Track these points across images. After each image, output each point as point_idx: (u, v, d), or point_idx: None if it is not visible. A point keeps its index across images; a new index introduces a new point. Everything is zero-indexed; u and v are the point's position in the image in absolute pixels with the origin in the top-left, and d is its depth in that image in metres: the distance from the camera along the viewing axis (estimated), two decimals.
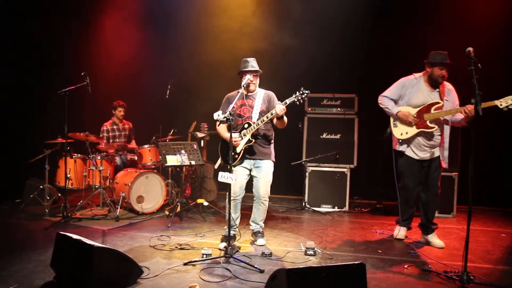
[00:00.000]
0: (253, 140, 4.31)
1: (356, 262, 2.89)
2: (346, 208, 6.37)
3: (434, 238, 4.57)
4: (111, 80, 7.43)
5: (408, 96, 4.50)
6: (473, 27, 6.37)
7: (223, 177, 3.96)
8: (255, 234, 4.56)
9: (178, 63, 7.48)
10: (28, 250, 4.10)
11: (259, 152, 4.39)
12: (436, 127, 4.32)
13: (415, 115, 4.39)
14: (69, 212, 5.43)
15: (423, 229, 4.68)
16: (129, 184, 5.73)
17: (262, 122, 4.21)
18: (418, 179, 4.57)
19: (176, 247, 4.27)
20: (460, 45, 3.92)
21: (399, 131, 4.53)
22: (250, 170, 4.45)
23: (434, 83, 4.39)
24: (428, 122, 4.34)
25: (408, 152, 4.53)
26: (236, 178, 4.19)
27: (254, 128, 4.26)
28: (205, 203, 5.93)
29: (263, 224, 4.60)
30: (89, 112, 7.29)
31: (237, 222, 4.50)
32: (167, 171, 6.32)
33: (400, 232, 4.78)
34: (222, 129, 4.50)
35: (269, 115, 4.16)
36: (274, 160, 4.51)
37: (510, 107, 3.72)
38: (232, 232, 4.36)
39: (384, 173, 6.54)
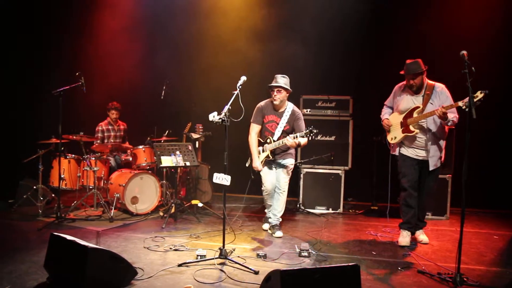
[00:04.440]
0: (271, 157, 4.89)
1: (350, 264, 2.90)
2: (341, 209, 6.38)
3: (420, 234, 4.74)
4: (106, 81, 7.39)
5: (396, 103, 4.68)
6: (468, 29, 6.42)
7: (218, 178, 3.98)
8: (273, 227, 5.02)
9: (174, 64, 7.47)
10: (21, 251, 4.07)
11: (281, 155, 4.96)
12: (418, 131, 4.41)
13: (402, 121, 4.53)
14: (62, 213, 5.40)
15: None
16: (124, 185, 5.71)
17: (278, 145, 4.78)
18: (416, 179, 4.59)
19: (170, 248, 4.26)
20: (455, 47, 3.95)
21: (390, 136, 4.73)
22: (276, 168, 5.03)
23: (413, 90, 4.49)
24: (411, 127, 4.44)
25: (404, 151, 4.60)
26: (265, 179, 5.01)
27: (272, 147, 4.84)
28: (200, 204, 5.91)
29: (280, 218, 5.07)
30: (84, 112, 7.26)
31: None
32: (162, 172, 6.31)
33: (404, 238, 4.65)
34: (253, 143, 4.97)
35: (285, 140, 4.67)
36: (294, 159, 5.07)
37: (476, 104, 3.53)
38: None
39: (378, 175, 6.58)
